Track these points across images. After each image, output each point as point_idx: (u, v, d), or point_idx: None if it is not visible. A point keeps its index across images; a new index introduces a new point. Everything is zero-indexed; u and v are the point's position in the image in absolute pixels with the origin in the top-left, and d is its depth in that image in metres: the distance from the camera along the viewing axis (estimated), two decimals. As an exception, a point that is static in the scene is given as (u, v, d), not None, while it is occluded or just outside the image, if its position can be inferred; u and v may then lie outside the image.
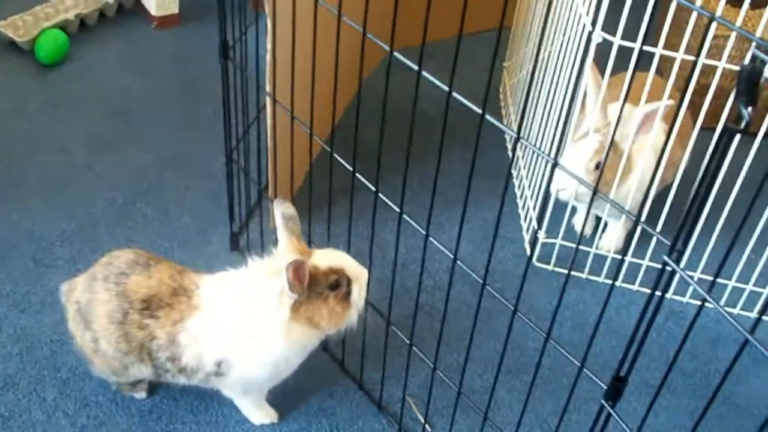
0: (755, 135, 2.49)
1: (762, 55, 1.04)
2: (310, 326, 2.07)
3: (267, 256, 2.12)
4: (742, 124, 1.04)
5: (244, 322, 2.07)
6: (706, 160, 1.22)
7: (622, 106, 1.47)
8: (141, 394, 2.40)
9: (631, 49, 2.34)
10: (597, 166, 2.61)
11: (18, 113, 3.51)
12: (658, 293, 1.34)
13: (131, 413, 2.38)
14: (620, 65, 2.46)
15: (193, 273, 2.21)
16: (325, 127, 2.58)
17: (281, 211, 2.11)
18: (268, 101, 2.46)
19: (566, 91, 2.73)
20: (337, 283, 2.05)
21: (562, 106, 2.77)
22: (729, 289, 2.86)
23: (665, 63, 3.44)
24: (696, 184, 1.22)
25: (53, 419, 2.35)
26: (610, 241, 3.01)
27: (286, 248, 2.09)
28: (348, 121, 3.38)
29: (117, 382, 2.36)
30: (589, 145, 2.63)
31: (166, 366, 2.13)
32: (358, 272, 2.10)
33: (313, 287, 2.02)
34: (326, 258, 2.07)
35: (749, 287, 2.81)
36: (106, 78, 3.78)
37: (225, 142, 2.68)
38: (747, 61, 1.04)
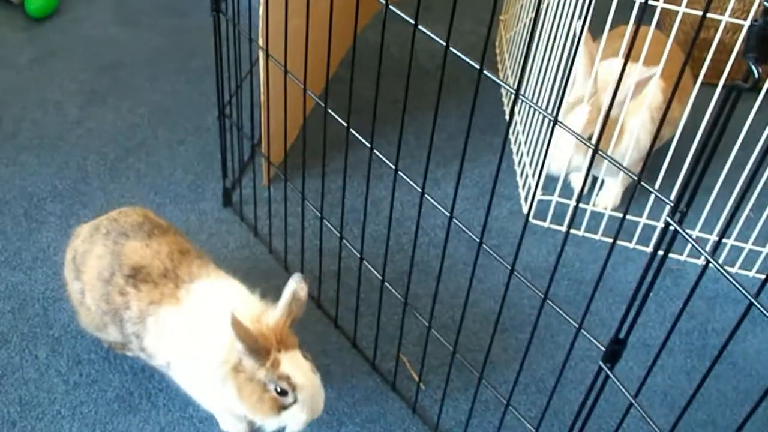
0: (758, 90, 2.46)
1: (774, 9, 1.00)
2: (236, 393, 1.93)
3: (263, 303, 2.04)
4: (753, 82, 1.01)
5: (200, 342, 1.97)
6: (710, 119, 1.18)
7: (620, 78, 1.43)
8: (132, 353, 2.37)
9: (632, 1, 2.30)
10: (590, 138, 2.57)
11: (8, 67, 3.46)
12: (660, 253, 1.31)
13: (124, 371, 2.36)
14: (621, 17, 2.41)
15: (195, 261, 2.11)
16: (319, 82, 2.54)
17: (294, 288, 1.94)
18: (261, 55, 2.41)
19: (564, 45, 2.69)
20: (284, 393, 1.88)
21: (560, 60, 2.73)
22: (728, 248, 2.84)
23: (666, 17, 3.39)
24: (699, 143, 1.18)
25: (46, 377, 2.33)
26: (607, 199, 2.99)
27: (273, 321, 1.93)
28: (343, 76, 3.34)
29: (105, 340, 2.34)
30: (580, 118, 2.58)
31: (130, 339, 2.10)
32: (312, 403, 1.92)
33: (264, 374, 1.87)
34: (295, 366, 1.89)
35: (748, 246, 2.79)
36: (96, 31, 3.72)
37: (217, 97, 2.64)
38: (754, 16, 1.00)
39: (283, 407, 1.90)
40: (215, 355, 1.93)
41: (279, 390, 1.87)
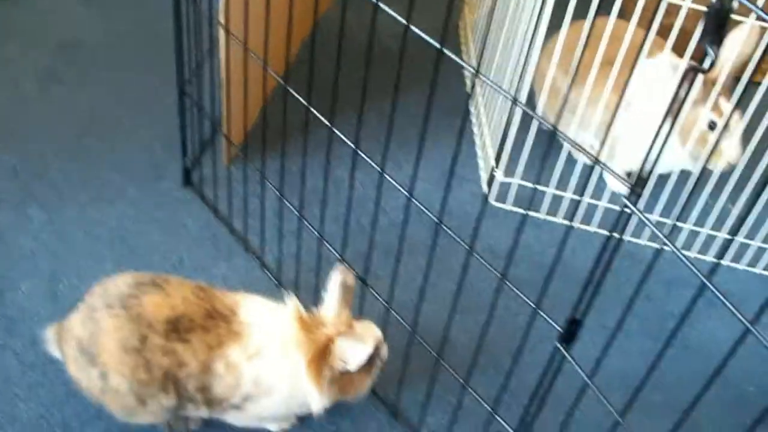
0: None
1: (730, -8, 1.01)
2: (340, 393, 2.02)
3: (303, 306, 2.02)
4: (708, 64, 1.01)
5: (277, 364, 1.96)
6: (669, 101, 1.19)
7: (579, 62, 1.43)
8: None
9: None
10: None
11: (-37, 42, 3.41)
12: (615, 235, 1.32)
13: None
14: (582, 7, 2.41)
15: (218, 293, 2.03)
16: (281, 62, 2.52)
17: (341, 279, 2.00)
18: (222, 33, 2.39)
19: (527, 28, 2.69)
20: (373, 357, 1.99)
21: (522, 42, 2.73)
22: (686, 232, 2.86)
23: (628, 4, 3.40)
24: (658, 126, 1.19)
25: (1, 358, 2.30)
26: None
27: (337, 317, 1.99)
28: (304, 56, 3.32)
29: (144, 422, 2.08)
30: None
31: (192, 396, 1.94)
32: (385, 350, 2.10)
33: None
34: (371, 334, 2.01)
35: (705, 230, 2.82)
36: (54, 8, 3.66)
37: (177, 76, 2.61)
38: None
39: (372, 367, 2.04)
40: (310, 378, 1.94)
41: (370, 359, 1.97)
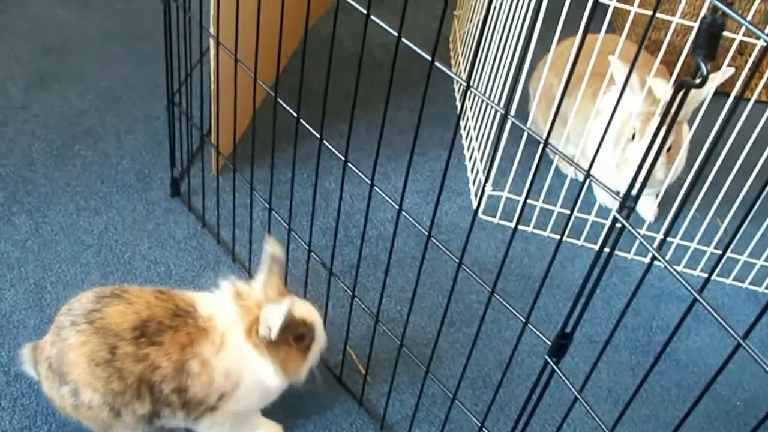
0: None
1: (723, 7, 1.01)
2: (281, 368, 1.96)
3: (240, 281, 2.01)
4: (701, 79, 1.01)
5: (238, 350, 1.94)
6: (660, 115, 1.19)
7: (570, 72, 1.43)
8: None
9: (585, 3, 2.30)
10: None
11: (-49, 48, 3.39)
12: (606, 250, 1.32)
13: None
14: (573, 16, 2.42)
15: (177, 293, 2.01)
16: (270, 72, 2.51)
17: (269, 250, 1.99)
18: (212, 43, 2.38)
19: (517, 41, 2.69)
20: (303, 336, 1.97)
21: (513, 56, 2.73)
22: (674, 246, 2.87)
23: (618, 18, 3.41)
24: (650, 140, 1.19)
25: (-16, 366, 2.29)
26: (648, 211, 3.01)
27: (267, 286, 1.99)
28: (294, 67, 3.32)
29: None
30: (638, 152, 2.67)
31: (169, 399, 1.92)
32: (321, 334, 2.04)
33: (284, 332, 1.91)
34: (301, 309, 1.98)
35: (693, 245, 2.83)
36: (42, 11, 3.65)
37: (167, 85, 2.60)
38: (704, 14, 1.00)
39: (307, 349, 2.00)
40: (247, 345, 1.93)
41: (296, 335, 1.95)
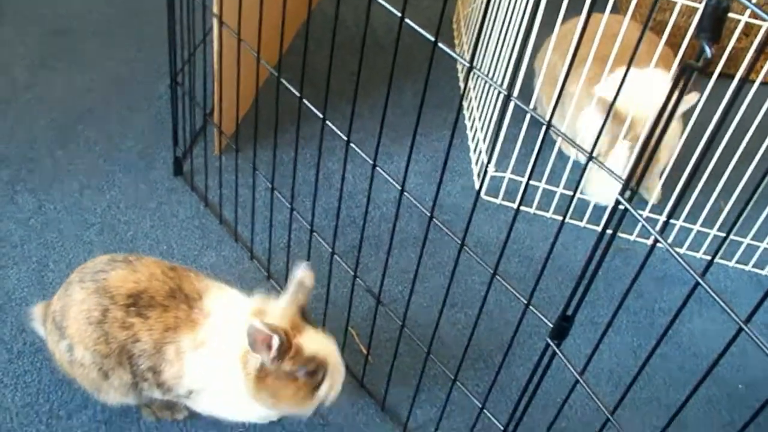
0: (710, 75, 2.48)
1: (728, -11, 1.00)
2: (271, 399, 1.88)
3: (268, 299, 1.94)
4: (705, 62, 1.01)
5: (221, 359, 1.88)
6: (664, 99, 1.18)
7: (574, 55, 1.42)
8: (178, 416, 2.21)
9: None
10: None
11: (-46, 27, 3.38)
12: (608, 232, 1.31)
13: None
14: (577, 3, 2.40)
15: (191, 275, 1.99)
16: (274, 52, 2.51)
17: (300, 276, 1.90)
18: (215, 23, 2.37)
19: (521, 23, 2.68)
20: (315, 373, 1.86)
21: (516, 37, 2.72)
22: (677, 228, 2.86)
23: (623, 0, 3.40)
24: (653, 124, 1.18)
25: (-13, 344, 2.30)
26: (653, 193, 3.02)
27: (280, 312, 1.88)
28: (297, 47, 3.31)
29: (112, 401, 2.05)
30: (623, 155, 2.69)
31: (145, 376, 1.91)
32: (337, 370, 1.92)
33: (290, 365, 1.82)
34: (314, 342, 1.86)
35: (696, 227, 2.82)
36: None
37: (170, 65, 2.60)
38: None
39: (317, 386, 1.88)
40: (236, 360, 1.86)
41: (308, 372, 1.84)
